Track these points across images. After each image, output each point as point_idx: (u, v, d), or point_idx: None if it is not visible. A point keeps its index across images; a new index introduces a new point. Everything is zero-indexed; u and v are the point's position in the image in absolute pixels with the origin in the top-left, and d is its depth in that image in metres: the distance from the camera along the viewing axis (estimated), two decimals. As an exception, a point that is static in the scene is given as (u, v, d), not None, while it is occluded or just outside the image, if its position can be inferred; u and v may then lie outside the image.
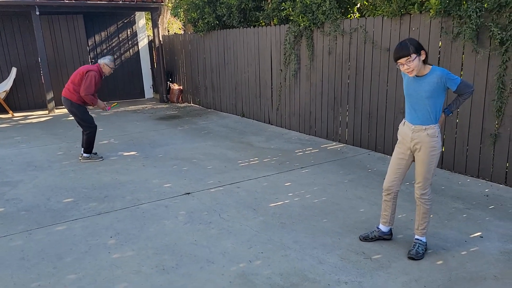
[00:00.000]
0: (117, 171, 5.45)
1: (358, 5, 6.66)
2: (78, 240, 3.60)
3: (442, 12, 4.80)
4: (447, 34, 4.88)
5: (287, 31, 7.22)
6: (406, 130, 3.14)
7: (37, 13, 9.27)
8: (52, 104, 9.98)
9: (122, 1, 10.05)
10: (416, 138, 3.06)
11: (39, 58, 9.67)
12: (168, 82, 11.73)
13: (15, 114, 10.03)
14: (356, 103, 6.27)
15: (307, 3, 6.49)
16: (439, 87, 2.96)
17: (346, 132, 6.56)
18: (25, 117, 9.63)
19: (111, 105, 6.11)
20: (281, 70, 7.65)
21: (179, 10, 10.69)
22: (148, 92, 12.37)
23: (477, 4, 4.46)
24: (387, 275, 2.98)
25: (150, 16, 12.03)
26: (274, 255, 3.28)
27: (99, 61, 5.82)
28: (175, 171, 5.39)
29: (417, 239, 3.26)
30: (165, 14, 13.69)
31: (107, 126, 8.35)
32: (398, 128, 3.28)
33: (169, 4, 13.03)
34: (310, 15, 6.56)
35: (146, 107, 10.75)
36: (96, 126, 5.91)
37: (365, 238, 3.46)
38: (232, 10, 8.54)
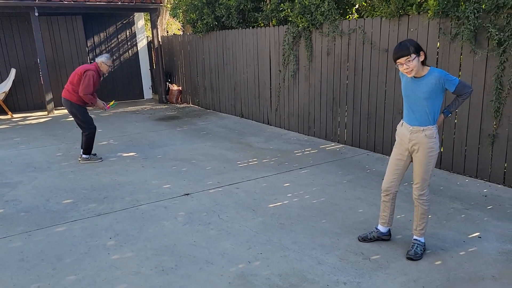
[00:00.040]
0: (116, 172, 5.46)
1: (357, 6, 6.68)
2: (77, 241, 3.61)
3: (440, 13, 4.81)
4: (445, 35, 4.89)
5: (285, 32, 7.24)
6: (404, 131, 3.15)
7: (36, 14, 9.28)
8: (51, 105, 9.98)
9: (121, 2, 10.06)
10: (414, 139, 3.08)
11: (38, 59, 9.68)
12: (167, 83, 11.74)
13: (14, 115, 10.04)
14: (355, 103, 6.29)
15: (305, 4, 6.51)
16: (437, 88, 2.98)
17: (345, 132, 6.58)
18: (24, 118, 9.63)
19: (109, 104, 6.11)
20: (280, 70, 7.66)
21: (178, 11, 10.68)
22: (147, 93, 12.38)
23: (475, 5, 4.47)
24: (386, 276, 2.99)
25: (149, 17, 12.04)
26: (273, 256, 3.29)
27: (96, 59, 5.82)
28: (174, 172, 5.40)
29: (416, 240, 3.27)
30: (164, 15, 13.70)
31: (106, 127, 8.36)
32: (396, 129, 3.29)
33: (168, 5, 13.03)
34: (308, 16, 6.58)
35: (145, 108, 10.76)
36: (95, 127, 5.92)
37: (364, 239, 3.47)
38: (231, 11, 8.55)
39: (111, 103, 6.22)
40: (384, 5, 5.41)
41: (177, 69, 11.57)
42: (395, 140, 3.34)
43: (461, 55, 4.83)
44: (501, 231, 3.61)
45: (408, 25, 5.30)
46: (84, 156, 5.93)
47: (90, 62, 11.12)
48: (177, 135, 7.57)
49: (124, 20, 11.61)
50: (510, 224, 3.72)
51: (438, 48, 5.05)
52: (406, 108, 3.15)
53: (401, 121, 3.23)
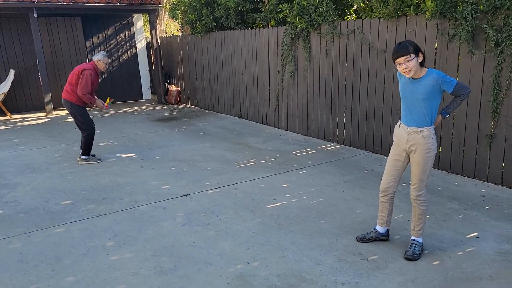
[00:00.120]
0: (115, 173, 5.47)
1: (355, 7, 6.70)
2: (76, 242, 3.62)
3: (438, 14, 4.83)
4: (443, 35, 4.91)
5: (284, 32, 7.25)
6: (401, 132, 3.17)
7: (35, 15, 9.29)
8: (50, 106, 9.99)
9: (120, 3, 10.07)
10: (412, 140, 3.09)
11: (37, 60, 9.68)
12: (166, 84, 11.75)
13: (13, 116, 10.04)
14: (353, 104, 6.30)
15: (304, 5, 6.52)
16: (435, 90, 2.99)
17: (343, 133, 6.59)
18: (23, 119, 9.63)
19: (106, 103, 6.11)
20: (278, 71, 7.68)
21: (176, 12, 10.69)
22: (146, 93, 12.39)
23: (472, 6, 4.49)
24: (384, 276, 3.00)
25: (148, 18, 12.05)
26: (272, 256, 3.30)
27: (92, 58, 5.82)
28: (173, 173, 5.41)
29: (414, 240, 3.29)
30: (163, 16, 13.71)
31: (105, 128, 8.37)
32: (394, 130, 3.30)
33: (167, 6, 13.04)
34: (307, 16, 6.59)
35: (144, 109, 10.76)
36: (94, 128, 5.92)
37: (362, 239, 3.49)
38: (229, 12, 8.56)
39: (108, 101, 6.22)
40: (382, 6, 5.43)
41: (176, 70, 11.58)
42: (393, 140, 3.36)
43: (459, 55, 4.85)
44: (498, 231, 3.62)
45: (406, 26, 5.32)
46: (83, 157, 5.93)
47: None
48: (176, 135, 7.58)
49: (123, 21, 11.62)
50: (507, 224, 3.73)
51: (436, 49, 5.06)
52: (403, 109, 3.17)
53: (399, 122, 3.25)
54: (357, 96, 6.22)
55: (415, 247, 3.24)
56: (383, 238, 3.47)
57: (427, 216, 3.86)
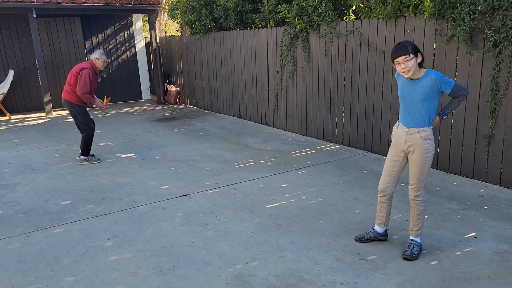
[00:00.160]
0: (114, 173, 5.47)
1: (354, 8, 6.71)
2: (75, 242, 3.63)
3: (436, 14, 4.84)
4: (442, 36, 4.92)
5: (283, 33, 7.26)
6: (400, 133, 3.18)
7: (34, 15, 9.29)
8: (50, 106, 9.99)
9: (119, 3, 10.07)
10: (410, 140, 3.10)
11: (36, 61, 9.68)
12: (165, 84, 11.76)
13: (13, 117, 10.04)
14: (352, 104, 6.32)
15: (303, 5, 6.53)
16: (433, 90, 3.00)
17: (342, 133, 6.61)
18: (23, 120, 9.63)
19: (105, 102, 6.11)
20: (277, 71, 7.69)
21: (176, 12, 10.70)
22: (146, 93, 12.39)
23: (470, 7, 4.50)
24: (382, 276, 3.01)
25: (147, 18, 12.06)
26: (271, 256, 3.31)
27: (90, 57, 5.81)
28: (172, 173, 5.42)
29: (412, 240, 3.30)
30: (162, 16, 13.71)
31: (105, 128, 8.37)
32: (392, 130, 3.32)
33: (166, 6, 13.05)
34: (306, 17, 6.60)
35: (143, 109, 10.77)
36: (93, 128, 5.92)
37: (361, 239, 3.50)
38: (228, 12, 8.57)
39: (106, 100, 6.22)
40: (381, 7, 5.44)
41: (175, 70, 11.59)
42: (391, 141, 3.37)
43: (457, 56, 4.86)
44: (497, 231, 3.63)
45: (405, 27, 5.33)
46: (82, 157, 5.94)
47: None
48: (175, 136, 7.59)
49: (122, 21, 11.63)
50: (506, 224, 3.75)
51: (434, 49, 5.08)
52: (402, 110, 3.18)
53: (397, 123, 3.26)
54: (356, 97, 6.24)
55: (413, 247, 3.24)
56: (382, 238, 3.48)
57: (425, 216, 3.88)
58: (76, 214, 4.21)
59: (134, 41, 11.89)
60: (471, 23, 4.52)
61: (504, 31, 4.32)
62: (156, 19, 11.58)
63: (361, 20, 5.92)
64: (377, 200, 3.49)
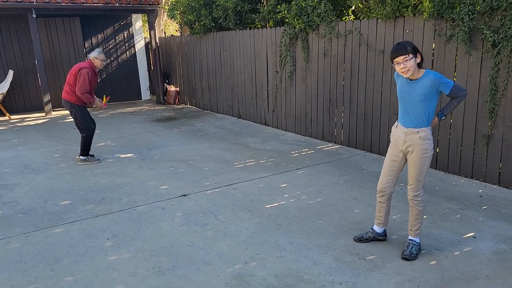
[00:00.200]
0: (114, 173, 5.48)
1: (353, 8, 6.72)
2: (75, 242, 3.63)
3: (435, 15, 4.85)
4: (440, 36, 4.93)
5: (282, 33, 7.27)
6: (398, 133, 3.19)
7: (34, 15, 9.29)
8: (49, 106, 9.99)
9: (118, 4, 10.08)
10: (409, 140, 3.11)
11: (36, 61, 9.68)
12: (165, 84, 11.76)
13: (12, 117, 10.04)
14: (351, 104, 6.32)
15: (302, 5, 6.54)
16: (432, 91, 3.01)
17: (341, 133, 6.61)
18: (22, 120, 9.64)
19: (104, 101, 6.10)
20: (277, 71, 7.69)
21: (175, 12, 10.70)
22: (145, 93, 12.40)
23: (469, 7, 4.51)
24: (381, 276, 3.02)
25: (146, 18, 12.07)
26: (270, 256, 3.31)
27: (89, 56, 5.81)
28: (171, 173, 5.42)
29: (411, 240, 3.30)
30: (161, 16, 13.72)
31: (104, 128, 8.37)
32: (391, 130, 3.32)
33: (166, 6, 13.06)
34: (305, 17, 6.61)
35: (143, 109, 10.77)
36: (93, 129, 5.92)
37: (360, 239, 3.50)
38: (228, 12, 8.58)
39: (105, 100, 6.21)
40: (380, 7, 5.45)
41: (174, 70, 11.59)
42: (390, 141, 3.37)
43: (456, 56, 4.87)
44: (495, 231, 3.64)
45: (404, 27, 5.34)
46: (81, 157, 5.94)
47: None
48: (175, 136, 7.59)
49: (122, 22, 11.63)
50: (504, 224, 3.75)
51: (433, 49, 5.08)
52: (401, 110, 3.18)
53: (396, 123, 3.26)
54: (355, 97, 6.24)
55: (412, 247, 3.25)
56: (381, 238, 3.49)
57: (424, 216, 3.89)
58: (75, 214, 4.21)
59: (133, 41, 11.89)
60: (470, 23, 4.53)
61: (503, 31, 4.33)
62: (155, 19, 11.58)
63: (360, 20, 5.93)
64: (376, 200, 3.50)
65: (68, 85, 5.73)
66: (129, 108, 10.93)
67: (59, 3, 9.35)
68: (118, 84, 11.85)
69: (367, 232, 3.51)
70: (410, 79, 3.07)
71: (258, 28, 8.36)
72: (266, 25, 8.13)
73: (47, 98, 9.90)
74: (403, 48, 2.95)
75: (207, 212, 4.19)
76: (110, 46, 11.56)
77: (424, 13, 4.93)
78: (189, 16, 9.75)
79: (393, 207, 4.15)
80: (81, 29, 10.78)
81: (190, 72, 10.78)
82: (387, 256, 3.27)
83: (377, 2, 5.48)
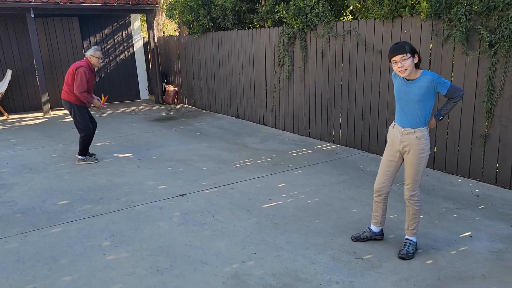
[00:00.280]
0: (112, 173, 5.49)
1: (351, 8, 6.73)
2: (73, 242, 3.64)
3: (432, 15, 4.87)
4: (438, 36, 4.95)
5: (281, 33, 7.28)
6: (395, 133, 3.20)
7: (32, 15, 9.29)
8: (48, 106, 9.99)
9: (117, 3, 10.08)
10: (405, 140, 3.12)
11: (34, 61, 9.68)
12: (163, 84, 11.77)
13: (11, 117, 10.04)
14: (349, 104, 6.34)
15: (300, 5, 6.55)
16: (429, 91, 3.03)
17: (339, 133, 6.63)
18: (21, 119, 9.63)
19: (102, 101, 6.10)
20: (275, 71, 7.71)
21: (174, 12, 10.71)
22: (144, 93, 12.40)
23: (466, 8, 4.53)
24: (378, 275, 3.03)
25: (145, 18, 12.06)
26: (267, 256, 3.33)
27: (85, 54, 5.80)
28: (170, 173, 5.43)
29: (408, 239, 3.32)
30: (160, 16, 13.71)
31: (102, 128, 8.38)
32: (388, 130, 3.34)
33: (164, 6, 13.06)
34: (303, 17, 6.62)
35: (141, 109, 10.78)
36: (92, 129, 5.91)
37: (357, 239, 3.52)
38: (226, 12, 8.59)
39: (104, 99, 6.21)
40: (378, 7, 5.46)
41: (173, 70, 11.60)
42: (387, 141, 3.38)
43: (453, 56, 4.88)
44: (492, 230, 3.66)
45: (401, 27, 5.36)
46: (79, 157, 5.94)
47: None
48: (173, 135, 7.60)
49: (120, 21, 11.63)
50: (501, 224, 3.77)
51: (430, 49, 5.10)
52: (398, 110, 3.20)
53: (393, 123, 3.28)
54: (353, 96, 6.26)
55: (409, 246, 3.27)
56: (378, 237, 3.51)
57: (421, 216, 3.91)
58: (73, 214, 4.22)
59: (132, 41, 11.89)
60: (467, 24, 4.54)
61: (499, 32, 4.34)
62: (154, 19, 11.58)
63: (358, 20, 5.94)
64: (373, 200, 3.51)
65: (67, 85, 5.72)
66: (128, 108, 10.93)
67: (58, 3, 9.35)
68: (116, 84, 11.85)
69: (364, 232, 3.52)
70: (407, 80, 3.08)
71: (257, 28, 8.37)
72: (264, 25, 8.14)
73: (45, 98, 9.90)
74: (401, 47, 2.97)
75: (205, 211, 4.20)
76: (109, 46, 11.55)
77: (421, 13, 4.95)
78: (187, 16, 9.76)
79: (390, 206, 4.16)
80: (79, 29, 10.78)
81: (188, 72, 10.79)
82: (384, 256, 3.29)
83: (375, 2, 5.49)
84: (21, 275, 3.14)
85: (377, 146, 6.00)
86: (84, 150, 5.92)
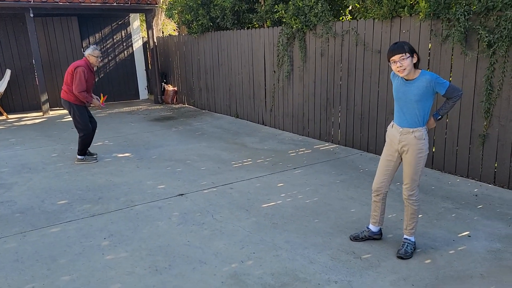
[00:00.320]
0: (111, 173, 5.49)
1: (350, 8, 6.74)
2: (72, 241, 3.64)
3: (431, 15, 4.87)
4: (437, 36, 4.95)
5: (280, 33, 7.29)
6: (394, 132, 3.21)
7: (31, 15, 9.28)
8: (47, 105, 9.99)
9: (116, 3, 10.07)
10: (404, 140, 3.13)
11: (34, 60, 9.68)
12: (163, 83, 11.76)
13: (10, 116, 10.03)
14: (348, 104, 6.34)
15: (299, 5, 6.56)
16: (427, 91, 3.03)
17: (338, 132, 6.63)
18: (20, 119, 9.63)
19: (101, 100, 6.10)
20: (274, 71, 7.71)
21: (173, 12, 10.71)
22: (143, 93, 12.40)
23: (465, 8, 4.53)
24: (376, 274, 3.04)
25: (144, 18, 12.07)
26: (266, 255, 3.33)
27: (84, 53, 5.80)
28: (169, 173, 5.43)
29: (406, 239, 3.33)
30: (159, 16, 13.72)
31: (102, 128, 8.37)
32: (387, 130, 3.34)
33: (164, 6, 13.06)
34: (302, 17, 6.63)
35: (140, 108, 10.78)
36: (91, 128, 5.91)
37: (356, 238, 3.52)
38: (225, 12, 8.59)
39: (103, 98, 6.20)
40: (377, 7, 5.47)
41: (172, 70, 11.60)
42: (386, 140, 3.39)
43: (452, 56, 4.89)
44: (490, 230, 3.67)
45: (400, 27, 5.36)
46: (79, 157, 5.94)
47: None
48: (172, 135, 7.60)
49: (120, 21, 11.63)
50: (499, 223, 3.78)
51: (429, 49, 5.11)
52: (396, 110, 3.20)
53: (392, 122, 3.28)
54: (352, 96, 6.26)
55: (407, 245, 3.27)
56: (376, 237, 3.51)
57: (419, 215, 3.91)
58: (72, 214, 4.22)
59: (131, 41, 11.89)
60: (466, 24, 4.55)
61: (498, 32, 4.35)
62: (153, 18, 11.58)
63: (357, 20, 5.95)
64: (371, 200, 3.52)
65: (66, 84, 5.73)
66: (127, 108, 10.93)
67: (57, 2, 9.34)
68: (116, 84, 11.85)
69: (363, 231, 3.53)
70: (406, 80, 3.09)
71: (256, 27, 8.37)
72: (264, 24, 8.14)
73: (44, 97, 9.89)
74: (400, 47, 2.97)
75: (204, 211, 4.20)
76: (108, 46, 11.55)
77: (420, 13, 4.95)
78: (186, 15, 9.76)
79: (389, 206, 4.17)
80: (78, 29, 10.77)
81: (188, 71, 10.79)
82: (382, 255, 3.29)
83: (374, 2, 5.50)
84: (20, 275, 3.14)
85: (376, 146, 6.01)
86: (83, 150, 5.92)
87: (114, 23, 11.55)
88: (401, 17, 5.34)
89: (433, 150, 5.28)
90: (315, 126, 7.04)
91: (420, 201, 3.30)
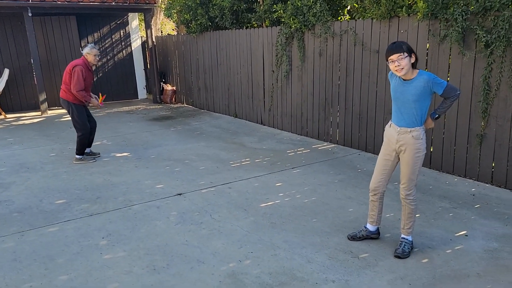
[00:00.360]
0: (109, 172, 5.49)
1: (348, 8, 6.74)
2: (70, 241, 3.64)
3: (429, 15, 4.88)
4: (434, 36, 4.97)
5: (278, 32, 7.29)
6: (391, 132, 3.22)
7: (30, 14, 9.27)
8: (45, 105, 9.97)
9: (115, 2, 10.07)
10: (401, 140, 3.14)
11: (32, 59, 9.66)
12: (161, 83, 11.76)
13: (8, 116, 10.02)
14: (347, 104, 6.35)
15: (298, 5, 6.56)
16: (425, 91, 3.04)
17: (337, 132, 6.64)
18: (18, 119, 9.62)
19: (100, 100, 6.09)
20: (273, 71, 7.72)
21: (172, 11, 10.71)
22: (142, 93, 12.39)
23: (463, 8, 4.54)
24: (374, 274, 3.05)
25: (143, 17, 12.06)
26: (264, 255, 3.34)
27: (82, 53, 5.79)
28: (167, 172, 5.44)
29: (403, 238, 3.34)
30: (158, 15, 13.71)
31: (100, 127, 8.37)
32: (384, 129, 3.35)
33: (162, 5, 13.05)
34: (301, 17, 6.63)
35: (139, 108, 10.77)
36: (89, 128, 5.91)
37: (353, 237, 3.53)
38: (224, 11, 8.59)
39: (101, 98, 6.20)
40: (375, 7, 5.48)
41: (171, 69, 11.59)
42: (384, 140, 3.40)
43: (450, 56, 4.90)
44: (487, 229, 3.68)
45: (398, 27, 5.37)
46: (77, 156, 5.94)
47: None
48: (171, 135, 7.60)
49: (118, 20, 11.62)
50: (496, 223, 3.79)
51: (427, 49, 5.12)
52: (394, 110, 3.21)
53: (389, 122, 3.29)
54: (350, 96, 6.27)
55: (404, 245, 3.28)
56: (374, 236, 3.52)
57: (417, 215, 3.92)
58: (70, 213, 4.22)
59: (130, 40, 11.88)
60: (464, 24, 4.56)
61: (495, 32, 4.36)
62: (152, 18, 11.57)
63: (356, 20, 5.96)
64: (369, 199, 3.53)
65: (64, 84, 5.72)
66: (125, 107, 10.92)
67: (55, 1, 9.33)
68: (114, 83, 11.84)
69: (361, 231, 3.54)
70: (404, 79, 3.09)
71: (254, 27, 8.37)
72: (262, 24, 8.15)
73: (43, 97, 9.88)
74: (398, 46, 2.98)
75: (202, 211, 4.21)
76: (107, 45, 11.54)
77: (418, 13, 4.96)
78: (185, 15, 9.76)
79: (386, 205, 4.18)
80: (77, 28, 10.76)
81: (186, 71, 10.79)
82: (380, 254, 3.30)
83: (372, 2, 5.51)
84: (18, 274, 3.14)
85: (374, 146, 6.02)
86: (81, 150, 5.92)
87: (113, 23, 11.54)
88: (399, 17, 5.35)
89: (431, 149, 5.30)
90: (313, 125, 7.05)
91: (417, 200, 3.31)
